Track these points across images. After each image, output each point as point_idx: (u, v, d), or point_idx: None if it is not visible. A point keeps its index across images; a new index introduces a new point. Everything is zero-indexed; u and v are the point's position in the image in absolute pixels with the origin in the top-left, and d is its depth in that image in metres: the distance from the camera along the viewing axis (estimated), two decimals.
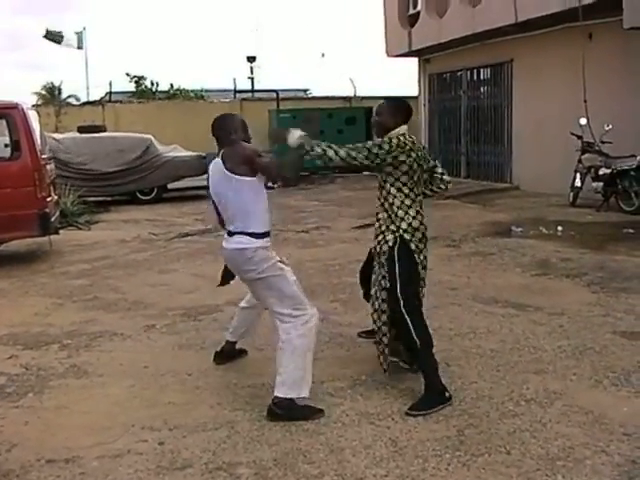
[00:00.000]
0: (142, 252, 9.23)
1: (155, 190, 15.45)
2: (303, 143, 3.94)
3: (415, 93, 19.20)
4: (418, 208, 4.17)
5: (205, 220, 11.95)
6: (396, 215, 4.11)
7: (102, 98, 25.18)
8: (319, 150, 3.97)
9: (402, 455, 3.45)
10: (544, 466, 3.30)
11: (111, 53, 59.34)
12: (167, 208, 14.17)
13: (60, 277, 7.85)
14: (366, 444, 3.58)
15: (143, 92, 26.10)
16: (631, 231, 9.29)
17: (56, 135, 15.29)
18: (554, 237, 9.25)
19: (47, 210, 8.57)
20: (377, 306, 4.34)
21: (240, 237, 3.97)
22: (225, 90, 25.93)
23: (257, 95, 24.42)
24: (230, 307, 6.07)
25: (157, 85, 26.89)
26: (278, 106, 20.44)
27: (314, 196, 14.91)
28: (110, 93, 25.77)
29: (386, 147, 4.03)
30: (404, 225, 4.10)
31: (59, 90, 34.66)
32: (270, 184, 4.19)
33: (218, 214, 4.28)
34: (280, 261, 4.08)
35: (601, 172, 11.12)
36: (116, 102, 22.74)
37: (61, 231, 9.65)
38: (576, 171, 11.72)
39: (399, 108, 4.30)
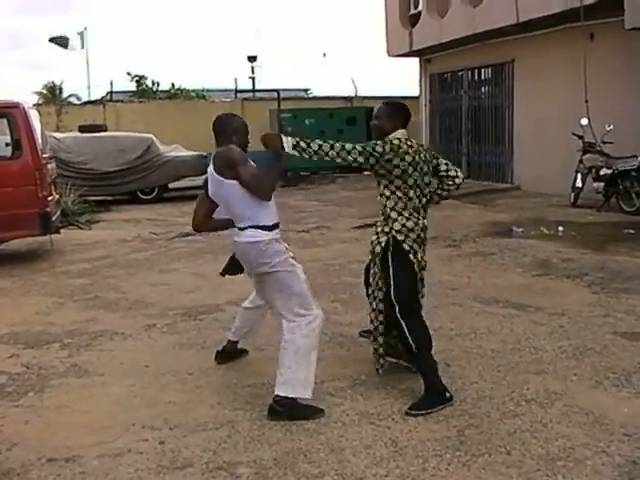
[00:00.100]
0: (143, 251, 9.23)
1: (156, 190, 15.47)
2: (298, 142, 3.92)
3: (416, 93, 19.21)
4: (412, 210, 4.12)
5: None
6: (389, 217, 4.11)
7: (103, 97, 25.20)
8: (314, 147, 3.95)
9: (402, 455, 3.45)
10: (544, 466, 3.30)
11: (112, 52, 59.26)
12: (168, 208, 14.17)
13: (61, 276, 7.85)
14: (366, 444, 3.58)
15: (144, 92, 26.11)
16: (632, 231, 9.29)
17: (57, 134, 15.30)
18: (555, 237, 9.24)
19: (48, 209, 8.57)
20: (374, 306, 4.35)
21: (251, 231, 3.96)
22: (226, 90, 25.95)
23: (258, 95, 24.41)
24: (231, 306, 6.08)
25: (158, 85, 26.92)
26: (279, 106, 20.43)
27: (314, 196, 14.92)
28: (111, 92, 25.79)
29: (379, 149, 4.01)
30: (397, 226, 4.09)
31: (60, 89, 34.64)
32: None
33: (200, 213, 4.32)
34: (293, 257, 4.08)
35: (602, 172, 11.11)
36: (117, 101, 22.75)
37: (62, 230, 9.65)
38: (577, 171, 11.71)
39: (397, 112, 4.28)
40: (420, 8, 17.26)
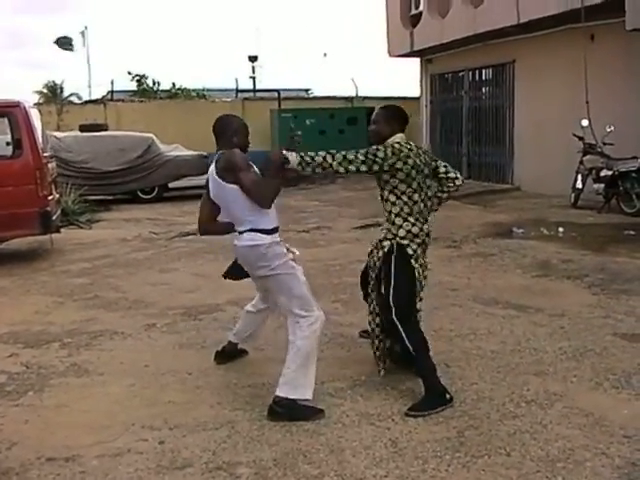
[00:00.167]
0: (143, 251, 9.23)
1: (156, 189, 15.47)
2: (302, 157, 3.88)
3: (417, 93, 19.21)
4: (418, 215, 4.13)
5: None
6: (394, 223, 4.10)
7: (104, 97, 25.18)
8: (319, 159, 3.92)
9: (402, 456, 3.45)
10: (544, 468, 3.30)
11: (113, 52, 59.43)
12: (168, 207, 14.18)
13: (61, 276, 7.85)
14: (366, 445, 3.58)
15: (145, 91, 26.09)
16: (632, 233, 9.29)
17: (58, 134, 15.29)
18: (555, 238, 9.25)
19: (48, 208, 8.57)
20: (372, 308, 4.37)
21: (251, 234, 3.97)
22: (227, 89, 25.91)
23: (259, 95, 24.39)
24: (231, 306, 6.08)
25: (159, 84, 26.88)
26: (280, 106, 20.44)
27: (315, 196, 14.91)
28: (112, 92, 25.76)
29: (381, 154, 3.99)
30: (402, 232, 4.08)
31: (61, 88, 34.62)
32: None
33: (204, 216, 4.29)
34: (292, 259, 4.09)
35: (602, 174, 11.11)
36: (118, 101, 22.73)
37: (62, 230, 9.65)
38: (577, 172, 11.71)
39: (394, 116, 4.27)
40: (421, 8, 17.25)
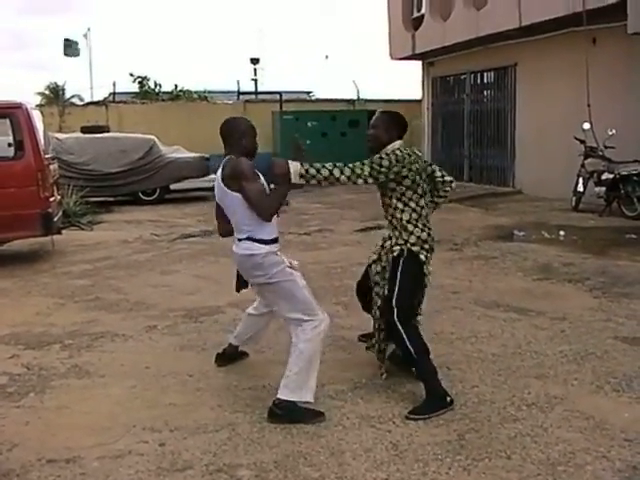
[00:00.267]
0: (144, 253, 9.24)
1: (158, 191, 15.47)
2: (307, 170, 3.85)
3: (418, 96, 19.22)
4: (425, 220, 4.16)
5: (207, 221, 11.96)
6: (405, 229, 4.11)
7: (106, 98, 25.19)
8: (325, 172, 3.89)
9: (402, 459, 3.45)
10: (545, 471, 3.30)
11: (115, 53, 59.52)
12: (169, 209, 14.18)
13: (62, 277, 7.85)
14: (367, 447, 3.58)
15: (147, 93, 26.08)
16: (633, 236, 9.29)
17: (59, 135, 15.30)
18: (556, 242, 9.25)
19: (50, 210, 8.58)
20: (373, 313, 4.38)
21: (248, 243, 3.95)
22: (228, 91, 25.90)
23: (260, 97, 24.42)
24: (231, 309, 6.08)
25: (160, 86, 26.88)
26: (281, 108, 20.45)
27: (316, 198, 14.90)
28: (114, 94, 25.78)
29: (386, 163, 3.98)
30: (412, 239, 4.10)
31: (63, 90, 34.60)
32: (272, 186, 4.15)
33: (220, 219, 4.26)
34: (290, 266, 4.04)
35: (604, 177, 11.12)
36: (120, 102, 22.73)
37: (63, 231, 9.65)
38: (579, 176, 11.72)
39: (395, 122, 4.25)
40: (423, 11, 17.28)
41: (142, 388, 4.47)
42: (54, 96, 33.35)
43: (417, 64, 18.95)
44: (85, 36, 28.17)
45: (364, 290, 4.56)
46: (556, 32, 13.03)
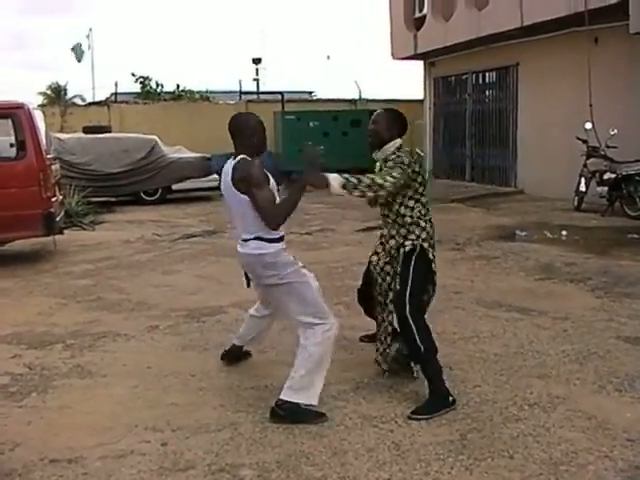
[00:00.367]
0: (146, 253, 9.24)
1: (159, 191, 15.47)
2: (348, 180, 3.87)
3: (420, 96, 19.21)
4: (429, 215, 4.22)
5: (209, 221, 11.98)
6: (418, 225, 4.14)
7: (107, 99, 25.19)
8: (367, 181, 3.91)
9: (405, 459, 3.45)
10: (547, 471, 3.29)
11: (117, 53, 59.55)
12: (171, 209, 14.19)
13: (64, 277, 7.86)
14: (369, 447, 3.58)
15: (148, 93, 26.09)
16: (636, 236, 9.28)
17: (61, 135, 15.32)
18: (558, 241, 9.24)
19: (52, 210, 8.59)
20: (378, 316, 4.38)
21: (256, 243, 3.86)
22: (230, 92, 25.90)
23: (262, 97, 24.41)
24: (234, 309, 6.08)
25: (162, 86, 26.88)
26: (283, 108, 20.43)
27: (318, 198, 14.82)
28: (116, 94, 25.77)
29: (406, 161, 4.05)
30: (424, 234, 4.14)
31: (65, 90, 34.68)
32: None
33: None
34: (303, 266, 4.00)
35: (606, 177, 11.11)
36: (121, 103, 22.73)
37: (65, 231, 9.67)
38: (581, 175, 11.71)
39: (396, 120, 4.28)
40: (425, 11, 17.28)
41: (144, 388, 4.48)
42: (56, 96, 33.38)
43: (419, 64, 18.95)
44: (87, 37, 28.21)
45: (365, 296, 4.57)
46: (558, 32, 13.03)
